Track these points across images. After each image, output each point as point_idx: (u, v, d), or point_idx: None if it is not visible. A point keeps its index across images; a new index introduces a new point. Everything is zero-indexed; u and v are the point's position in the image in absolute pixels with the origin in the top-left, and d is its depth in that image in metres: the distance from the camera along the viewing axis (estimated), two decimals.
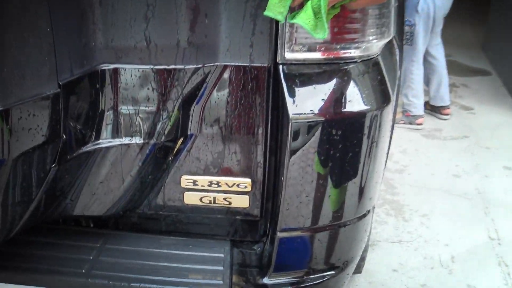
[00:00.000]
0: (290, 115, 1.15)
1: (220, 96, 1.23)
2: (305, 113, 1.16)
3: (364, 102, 1.19)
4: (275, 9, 1.03)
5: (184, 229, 1.47)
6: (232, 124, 1.26)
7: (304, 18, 1.03)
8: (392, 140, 1.54)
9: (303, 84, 1.18)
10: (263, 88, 1.22)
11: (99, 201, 1.33)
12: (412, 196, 2.89)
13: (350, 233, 1.35)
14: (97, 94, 1.21)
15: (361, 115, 1.19)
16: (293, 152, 1.18)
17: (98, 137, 1.25)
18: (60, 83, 1.11)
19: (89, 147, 1.24)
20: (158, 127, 1.27)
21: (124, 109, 1.25)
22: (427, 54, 3.75)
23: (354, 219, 1.33)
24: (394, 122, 1.45)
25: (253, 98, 1.23)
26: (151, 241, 1.44)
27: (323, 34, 1.03)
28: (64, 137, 1.17)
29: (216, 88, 1.22)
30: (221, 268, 1.34)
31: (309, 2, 1.02)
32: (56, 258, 1.35)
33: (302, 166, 1.21)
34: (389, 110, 1.26)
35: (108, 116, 1.24)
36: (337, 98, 1.19)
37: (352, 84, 1.19)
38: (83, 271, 1.31)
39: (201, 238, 1.45)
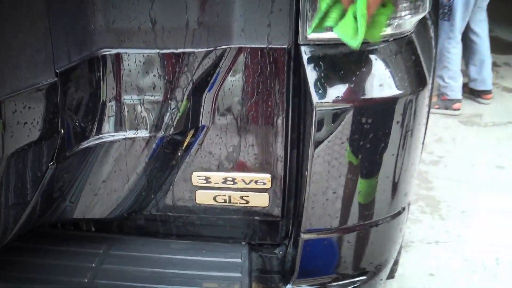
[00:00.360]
0: (314, 102, 1.15)
1: (234, 82, 1.24)
2: (330, 100, 1.16)
3: (397, 86, 1.19)
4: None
5: (196, 232, 1.49)
6: (248, 114, 1.27)
7: (344, 27, 1.05)
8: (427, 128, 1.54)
9: (328, 67, 1.18)
10: (283, 73, 1.22)
11: (101, 202, 1.35)
12: (450, 191, 2.88)
13: (382, 234, 1.36)
14: (98, 83, 1.22)
15: (393, 100, 1.19)
16: (318, 143, 1.19)
17: (99, 131, 1.26)
18: (57, 71, 1.12)
19: (90, 142, 1.26)
20: (166, 118, 1.28)
21: (128, 99, 1.25)
22: (469, 31, 3.70)
23: (387, 218, 1.34)
24: (430, 107, 1.45)
25: (272, 84, 1.24)
26: (160, 245, 1.45)
27: (355, 42, 1.04)
28: (63, 131, 1.19)
29: (230, 74, 1.23)
30: (239, 274, 1.35)
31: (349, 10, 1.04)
32: (55, 266, 1.37)
33: (328, 159, 1.21)
34: (425, 94, 1.26)
35: (111, 107, 1.25)
36: (367, 82, 1.19)
37: (383, 66, 1.19)
38: (86, 280, 1.32)
39: (216, 242, 1.47)
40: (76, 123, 1.22)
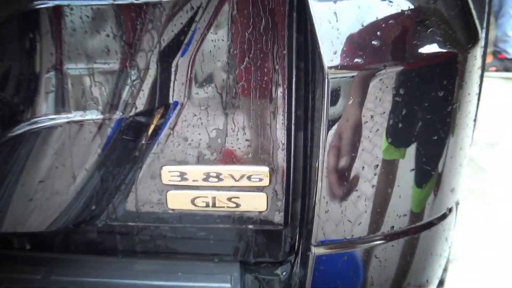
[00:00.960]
0: (326, 66, 1.16)
1: (217, 42, 1.24)
2: (348, 63, 1.17)
3: (439, 43, 1.20)
4: None
5: (168, 248, 1.50)
6: (237, 85, 1.28)
7: None
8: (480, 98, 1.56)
9: (345, 18, 1.18)
10: (283, 27, 1.23)
11: (38, 210, 1.36)
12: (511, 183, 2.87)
13: (422, 245, 1.38)
14: (31, 48, 1.23)
15: (433, 63, 1.20)
16: (332, 123, 1.20)
17: (34, 112, 1.27)
18: None
19: (21, 129, 1.27)
20: (125, 94, 1.28)
21: (73, 68, 1.26)
22: None
23: (429, 223, 1.36)
24: (483, 70, 1.46)
25: (268, 42, 1.24)
26: (119, 268, 1.47)
27: None
28: None
29: (211, 30, 1.23)
30: None
31: None
32: None
33: (346, 145, 1.23)
34: (476, 53, 1.27)
35: (49, 80, 1.26)
36: (397, 38, 1.19)
37: (419, 15, 1.20)
38: None
39: (196, 261, 1.48)
40: (3, 104, 1.23)
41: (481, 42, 1.30)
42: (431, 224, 1.36)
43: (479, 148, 3.01)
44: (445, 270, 1.76)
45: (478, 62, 1.30)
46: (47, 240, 1.51)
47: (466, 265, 2.41)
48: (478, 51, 1.28)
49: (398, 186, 1.29)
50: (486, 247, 2.49)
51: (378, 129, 1.22)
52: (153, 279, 1.43)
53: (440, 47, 1.20)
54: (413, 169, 1.28)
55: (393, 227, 1.32)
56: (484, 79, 1.53)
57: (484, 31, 1.35)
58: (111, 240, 1.50)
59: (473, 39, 1.26)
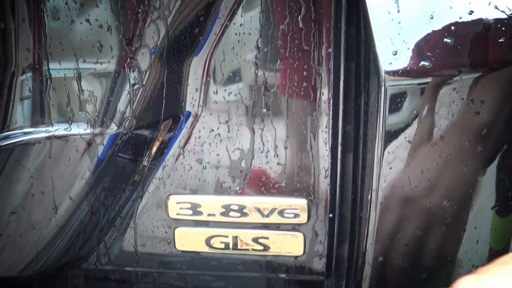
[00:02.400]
0: (383, 71, 1.12)
1: (242, 36, 1.23)
2: (412, 68, 1.13)
3: None
4: None
5: None
6: (267, 92, 1.26)
7: None
8: None
9: (410, 7, 1.16)
10: (328, 18, 1.22)
11: (10, 249, 1.34)
12: None
13: None
14: (2, 42, 1.22)
15: None
16: (390, 143, 1.17)
17: (6, 125, 1.26)
18: None
19: None
20: (122, 102, 1.26)
21: (56, 69, 1.24)
22: None
23: None
24: None
25: (308, 39, 1.22)
26: None
27: None
28: None
29: (234, 20, 1.22)
30: None
31: None
32: None
33: (409, 172, 1.19)
34: None
35: (24, 83, 1.25)
36: (475, 37, 1.16)
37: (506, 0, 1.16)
38: None
39: None
40: None
41: None
42: None
43: None
44: None
45: None
46: None
47: None
48: None
49: (475, 228, 1.27)
50: None
51: (450, 153, 1.18)
52: None
53: None
54: (494, 207, 1.26)
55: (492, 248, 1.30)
56: None
57: None
58: None
59: None
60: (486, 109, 1.16)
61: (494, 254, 1.29)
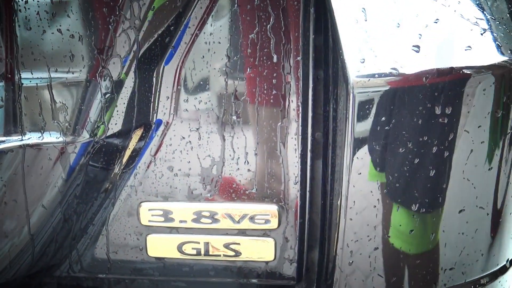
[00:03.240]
0: (351, 78, 1.13)
1: (212, 44, 1.23)
2: (380, 74, 1.14)
3: (497, 48, 1.18)
4: None
5: None
6: (237, 100, 1.26)
7: None
8: None
9: (376, 16, 1.17)
10: (297, 27, 1.22)
11: None
12: None
13: None
14: None
15: (490, 73, 1.18)
16: (359, 149, 1.17)
17: None
18: None
19: None
20: (93, 111, 1.26)
21: (28, 78, 1.25)
22: None
23: (482, 279, 1.35)
24: None
25: (279, 48, 1.22)
26: None
27: None
28: None
29: (204, 29, 1.22)
30: None
31: None
32: None
33: (378, 178, 1.20)
34: None
35: None
36: (443, 42, 1.18)
37: (472, 12, 1.19)
38: None
39: None
40: None
41: None
42: (484, 281, 1.35)
43: None
44: None
45: None
46: None
47: None
48: None
49: (443, 231, 1.27)
50: None
51: (418, 159, 1.20)
52: None
53: (501, 53, 1.18)
54: (463, 210, 1.26)
55: (436, 284, 1.30)
56: None
57: None
58: None
59: None
60: (452, 114, 1.18)
61: (463, 267, 1.32)
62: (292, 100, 1.26)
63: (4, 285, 1.40)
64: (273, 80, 1.25)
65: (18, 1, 1.21)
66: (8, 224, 1.33)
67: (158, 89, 1.27)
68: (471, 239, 1.29)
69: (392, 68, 1.15)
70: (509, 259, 1.37)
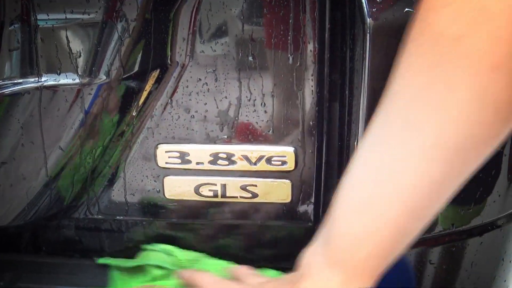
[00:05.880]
0: (368, 19, 1.14)
1: None
2: (396, 16, 1.14)
3: None
4: None
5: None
6: (254, 41, 1.26)
7: None
8: None
9: None
10: None
11: (1, 200, 1.35)
12: None
13: (489, 249, 1.38)
14: None
15: None
16: (374, 92, 1.17)
17: None
18: None
19: None
20: (109, 52, 1.26)
21: (44, 19, 1.24)
22: None
23: (498, 221, 1.36)
24: None
25: None
26: (102, 272, 1.45)
27: None
28: None
29: None
30: None
31: None
32: None
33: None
34: None
35: (13, 34, 1.24)
36: None
37: None
38: None
39: None
40: None
41: None
42: (500, 222, 1.37)
43: None
44: None
45: None
46: (13, 238, 1.51)
47: None
48: None
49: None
50: None
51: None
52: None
53: None
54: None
55: (451, 226, 1.32)
56: None
57: None
58: (93, 239, 1.50)
59: None
60: None
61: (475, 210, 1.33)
62: (308, 42, 1.26)
63: (23, 227, 1.43)
64: (290, 21, 1.25)
65: None
66: (25, 166, 1.34)
67: (174, 30, 1.27)
68: (489, 180, 1.30)
69: (409, 8, 1.14)
70: None
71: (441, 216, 1.30)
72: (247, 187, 1.37)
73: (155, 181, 1.39)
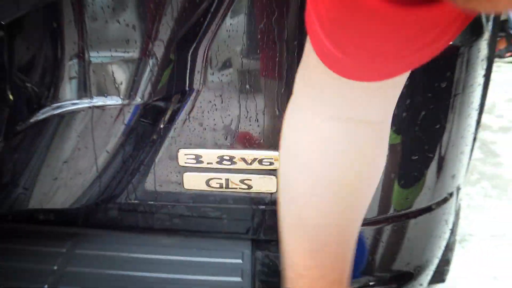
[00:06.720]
0: None
1: (233, 32, 1.26)
2: None
3: None
4: None
5: (184, 225, 1.53)
6: (249, 71, 1.30)
7: None
8: (492, 84, 1.56)
9: None
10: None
11: (63, 188, 1.39)
12: None
13: (422, 227, 1.42)
14: (54, 36, 1.23)
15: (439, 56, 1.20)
16: None
17: (59, 97, 1.28)
18: (2, 23, 1.14)
19: (46, 113, 1.28)
20: (144, 80, 1.30)
21: (95, 56, 1.27)
22: None
23: (428, 207, 1.39)
24: (492, 59, 1.46)
25: (283, 31, 1.25)
26: (138, 243, 1.50)
27: None
28: (11, 98, 1.20)
29: (227, 17, 1.24)
30: (239, 279, 1.39)
31: None
32: (7, 269, 1.40)
33: None
34: (480, 46, 1.28)
35: (72, 66, 1.27)
36: None
37: None
38: (46, 286, 1.35)
39: (210, 238, 1.52)
40: (29, 88, 1.24)
41: (486, 35, 1.31)
42: (430, 208, 1.40)
43: (492, 132, 3.01)
44: (450, 250, 1.79)
45: (483, 54, 1.31)
46: (72, 216, 1.54)
47: (481, 239, 2.44)
48: (482, 43, 1.29)
49: (400, 172, 1.32)
50: (498, 226, 2.51)
51: None
52: (170, 253, 1.46)
53: None
54: (413, 156, 1.31)
55: (394, 210, 1.36)
56: (500, 65, 1.51)
57: (490, 23, 1.36)
58: (131, 217, 1.53)
59: (478, 32, 1.27)
60: (409, 87, 1.18)
61: (413, 198, 1.37)
62: (290, 75, 1.28)
63: (78, 209, 1.46)
64: (277, 59, 1.28)
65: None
66: (81, 164, 1.38)
67: (191, 65, 1.30)
68: (419, 176, 1.34)
69: None
70: (449, 193, 1.42)
71: (385, 202, 1.34)
72: (244, 181, 1.41)
73: (177, 176, 1.42)
